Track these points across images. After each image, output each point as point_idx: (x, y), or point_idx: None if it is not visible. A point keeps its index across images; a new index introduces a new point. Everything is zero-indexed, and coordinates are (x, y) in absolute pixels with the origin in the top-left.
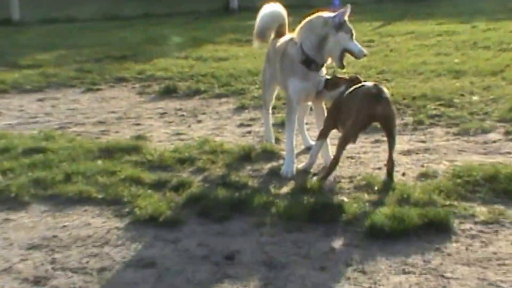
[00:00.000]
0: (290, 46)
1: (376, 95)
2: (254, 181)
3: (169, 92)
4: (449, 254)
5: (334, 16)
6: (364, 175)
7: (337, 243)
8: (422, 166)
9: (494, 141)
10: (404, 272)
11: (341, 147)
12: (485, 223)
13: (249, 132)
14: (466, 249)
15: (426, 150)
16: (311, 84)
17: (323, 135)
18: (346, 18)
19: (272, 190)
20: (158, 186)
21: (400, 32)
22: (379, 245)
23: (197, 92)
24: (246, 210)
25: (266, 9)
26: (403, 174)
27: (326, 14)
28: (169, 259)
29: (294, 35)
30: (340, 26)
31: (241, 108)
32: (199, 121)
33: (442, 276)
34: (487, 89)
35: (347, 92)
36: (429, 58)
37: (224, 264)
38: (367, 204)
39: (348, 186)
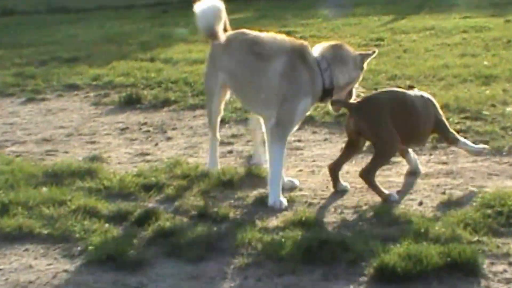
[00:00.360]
0: (311, 62)
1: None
2: (236, 212)
3: (131, 103)
4: None
5: (366, 55)
6: (372, 204)
7: None
8: (444, 193)
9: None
10: None
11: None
12: None
13: (231, 152)
14: None
15: (449, 173)
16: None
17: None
18: None
19: (259, 223)
20: (117, 218)
21: (416, 29)
22: None
23: (166, 103)
24: (227, 248)
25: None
26: (420, 203)
27: (351, 49)
28: None
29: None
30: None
31: (221, 122)
32: (169, 139)
33: None
34: None
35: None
36: (452, 60)
37: None
38: (375, 240)
39: (352, 218)
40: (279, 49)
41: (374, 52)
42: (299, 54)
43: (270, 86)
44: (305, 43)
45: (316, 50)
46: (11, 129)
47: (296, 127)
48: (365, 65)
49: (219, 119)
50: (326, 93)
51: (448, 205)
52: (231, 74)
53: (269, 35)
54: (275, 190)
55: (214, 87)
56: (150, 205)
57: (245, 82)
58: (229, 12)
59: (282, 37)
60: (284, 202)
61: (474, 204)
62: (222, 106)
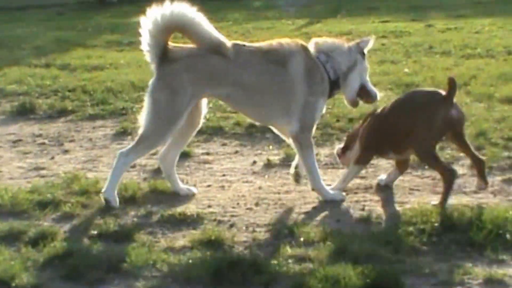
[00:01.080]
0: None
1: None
2: (139, 231)
3: (24, 112)
4: None
5: (361, 42)
6: (286, 222)
7: None
8: (363, 209)
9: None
10: None
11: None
12: (445, 284)
13: (133, 166)
14: None
15: (368, 188)
16: None
17: (362, 162)
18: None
19: (164, 243)
20: (9, 239)
21: (332, 33)
22: None
23: (62, 113)
24: (129, 270)
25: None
26: (338, 221)
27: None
28: None
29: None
30: (364, 55)
31: (122, 133)
32: (66, 152)
33: None
34: None
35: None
36: (371, 67)
37: None
38: (290, 260)
39: (265, 237)
40: (290, 53)
41: (369, 39)
42: (307, 53)
43: (292, 90)
44: (303, 42)
45: (312, 46)
46: None
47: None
48: (365, 51)
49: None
50: (333, 86)
51: (368, 222)
52: (242, 88)
53: (266, 43)
54: (323, 192)
55: (182, 109)
56: (46, 224)
57: (263, 92)
58: (130, 15)
59: (282, 41)
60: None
61: (395, 221)
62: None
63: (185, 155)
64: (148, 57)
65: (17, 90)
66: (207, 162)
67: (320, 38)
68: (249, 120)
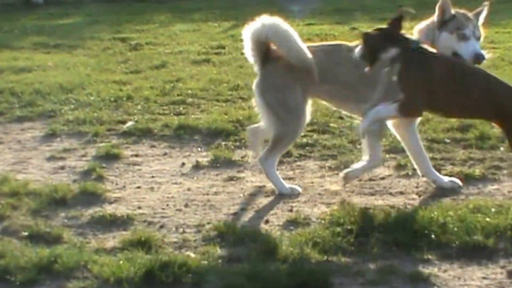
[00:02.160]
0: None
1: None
2: (70, 232)
3: None
4: None
5: None
6: (216, 223)
7: None
8: (291, 210)
9: (383, 178)
10: None
11: None
12: (373, 283)
13: (63, 168)
14: None
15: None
16: None
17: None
18: None
19: (95, 244)
20: None
21: None
22: None
23: None
24: (60, 271)
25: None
26: (266, 222)
27: None
28: None
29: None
30: None
31: (52, 135)
32: None
33: None
34: None
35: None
36: None
37: None
38: (219, 261)
39: (195, 238)
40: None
41: None
42: None
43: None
44: None
45: None
46: None
47: None
48: None
49: None
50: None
51: (296, 223)
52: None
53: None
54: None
55: (299, 103)
56: None
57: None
58: (56, 17)
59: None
60: None
61: (323, 222)
62: None
63: (114, 157)
64: (250, 59)
65: None
66: (136, 164)
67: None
68: (177, 122)
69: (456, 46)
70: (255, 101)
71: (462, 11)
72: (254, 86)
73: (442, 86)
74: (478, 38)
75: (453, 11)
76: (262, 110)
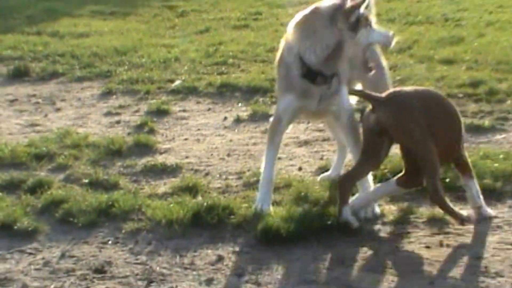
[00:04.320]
0: (287, 51)
1: None
2: (126, 179)
3: (19, 75)
4: (354, 261)
5: (349, 11)
6: (255, 170)
7: (226, 251)
8: (321, 158)
9: None
10: (305, 283)
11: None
12: (394, 223)
13: (119, 122)
14: (375, 254)
15: (325, 140)
16: (313, 101)
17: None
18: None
19: (148, 190)
20: (10, 187)
21: (291, 2)
22: (275, 251)
23: (54, 75)
24: (117, 214)
25: None
26: (300, 169)
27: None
28: (26, 274)
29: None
30: (357, 23)
31: (108, 93)
32: (58, 110)
33: (348, 286)
34: (394, 68)
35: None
36: None
37: (93, 278)
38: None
39: (236, 184)
40: None
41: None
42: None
43: None
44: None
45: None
46: None
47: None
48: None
49: None
50: (311, 77)
51: (326, 170)
52: None
53: None
54: (261, 194)
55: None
56: (42, 174)
57: None
58: None
59: None
60: (269, 207)
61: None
62: None
63: (164, 112)
64: None
65: (12, 55)
66: (183, 118)
67: None
68: (220, 81)
69: (373, 37)
70: None
71: None
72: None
73: None
74: None
75: None
76: None
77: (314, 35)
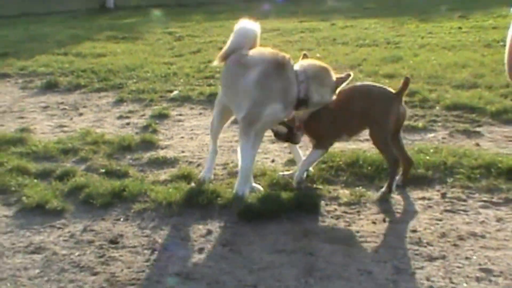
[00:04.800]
0: (290, 71)
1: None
2: (134, 169)
3: (51, 87)
4: (316, 234)
5: (336, 81)
6: (237, 162)
7: (214, 226)
8: (290, 152)
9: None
10: (276, 251)
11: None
12: (347, 204)
13: (128, 124)
14: (332, 228)
15: None
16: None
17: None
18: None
19: (152, 177)
20: (43, 175)
21: (266, 29)
22: (252, 226)
23: (77, 87)
24: (128, 197)
25: (241, 28)
26: (273, 161)
27: (334, 76)
28: (56, 244)
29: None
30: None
31: (120, 101)
32: (81, 114)
33: (311, 254)
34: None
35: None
36: (294, 53)
37: (108, 247)
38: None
39: (222, 173)
40: (259, 60)
41: (349, 75)
42: (276, 65)
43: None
44: (286, 55)
45: (301, 64)
46: None
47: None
48: (337, 90)
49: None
50: (300, 103)
51: (293, 162)
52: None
53: (256, 49)
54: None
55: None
56: (68, 165)
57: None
58: (123, 17)
59: (267, 50)
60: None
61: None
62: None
63: (164, 116)
64: None
65: (45, 71)
66: (180, 120)
67: (318, 65)
68: (209, 91)
69: None
70: None
71: None
72: None
73: None
74: None
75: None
76: None
77: (322, 86)
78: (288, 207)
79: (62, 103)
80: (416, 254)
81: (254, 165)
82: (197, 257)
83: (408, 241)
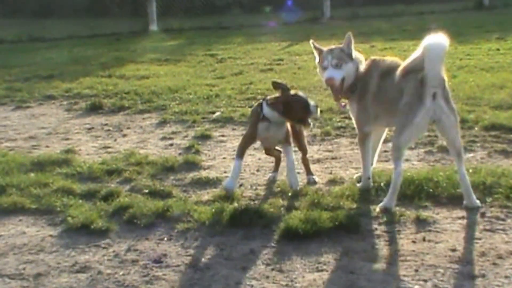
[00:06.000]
0: None
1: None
2: (177, 189)
3: (95, 109)
4: (357, 253)
5: None
6: (279, 182)
7: (256, 245)
8: (331, 173)
9: None
10: (318, 270)
11: None
12: (388, 223)
13: (172, 145)
14: (372, 247)
15: (333, 158)
16: None
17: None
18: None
19: (195, 197)
20: (88, 196)
21: (306, 51)
22: (294, 246)
23: (121, 108)
24: (171, 217)
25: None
26: (314, 182)
27: None
28: (101, 263)
29: None
30: None
31: (163, 122)
32: (125, 135)
33: (352, 272)
34: None
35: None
36: None
37: (152, 267)
38: (282, 208)
39: (264, 193)
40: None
41: None
42: None
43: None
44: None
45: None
46: (4, 129)
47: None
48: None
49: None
50: None
51: (334, 182)
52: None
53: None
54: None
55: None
56: (112, 185)
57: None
58: (166, 40)
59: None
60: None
61: (352, 180)
62: None
63: (207, 137)
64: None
65: (89, 93)
66: (222, 141)
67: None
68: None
69: (322, 74)
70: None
71: (333, 46)
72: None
73: None
74: (335, 65)
75: (325, 48)
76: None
77: None
78: (329, 226)
79: (106, 124)
80: (456, 273)
81: (297, 185)
82: (240, 276)
83: (447, 260)
